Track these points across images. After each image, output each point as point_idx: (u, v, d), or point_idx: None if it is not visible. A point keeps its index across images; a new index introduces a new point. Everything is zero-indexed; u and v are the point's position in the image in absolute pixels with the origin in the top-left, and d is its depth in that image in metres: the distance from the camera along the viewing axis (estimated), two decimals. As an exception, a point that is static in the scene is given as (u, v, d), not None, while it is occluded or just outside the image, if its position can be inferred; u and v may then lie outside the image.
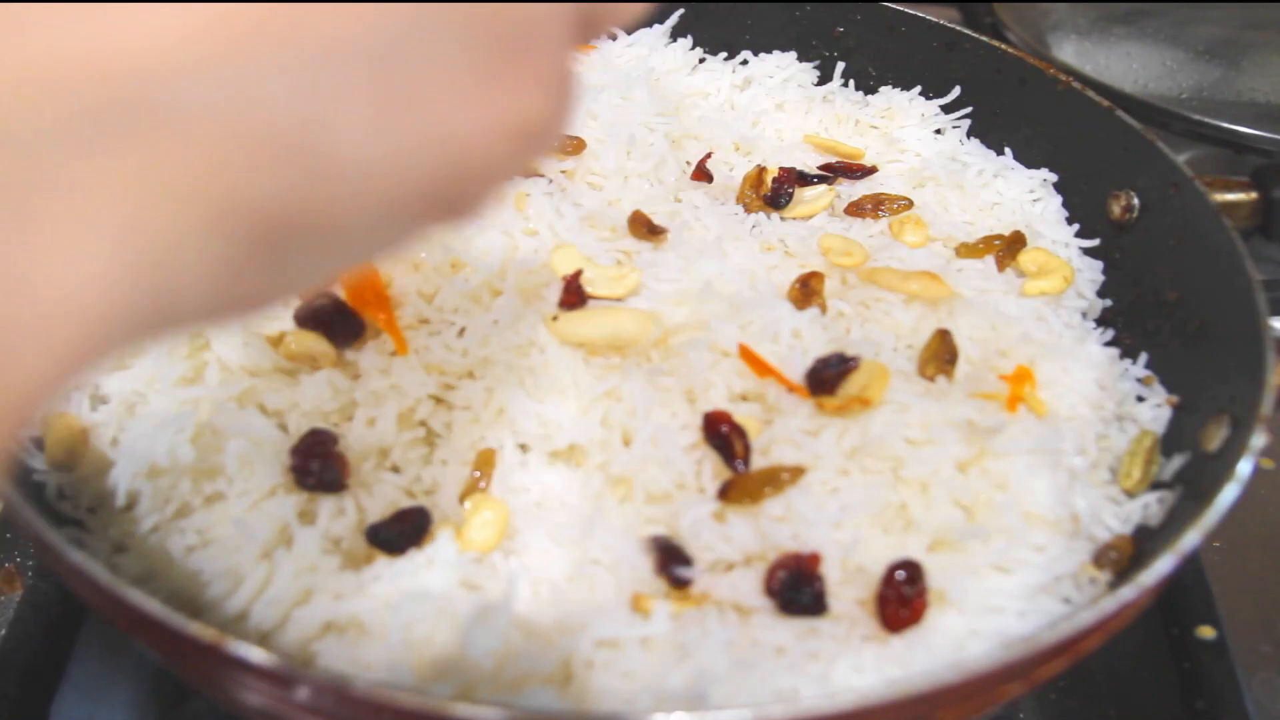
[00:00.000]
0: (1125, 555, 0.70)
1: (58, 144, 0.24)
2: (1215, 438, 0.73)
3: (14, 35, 0.24)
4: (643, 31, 1.09)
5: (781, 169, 0.96)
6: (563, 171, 0.95)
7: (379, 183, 0.30)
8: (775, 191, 0.94)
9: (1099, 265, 0.93)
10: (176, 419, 0.71)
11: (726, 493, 0.69)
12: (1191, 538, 0.63)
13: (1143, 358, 0.85)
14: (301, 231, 0.29)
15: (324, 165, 0.29)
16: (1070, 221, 0.96)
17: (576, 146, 0.95)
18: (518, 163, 0.35)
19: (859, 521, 0.69)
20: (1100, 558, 0.70)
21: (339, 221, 0.30)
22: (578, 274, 0.79)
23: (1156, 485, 0.76)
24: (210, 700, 0.67)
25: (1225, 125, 1.22)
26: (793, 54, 1.09)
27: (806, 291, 0.83)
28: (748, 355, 0.75)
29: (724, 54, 1.11)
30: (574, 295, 0.79)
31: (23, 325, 0.24)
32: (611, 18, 0.39)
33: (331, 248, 0.31)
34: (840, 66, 1.08)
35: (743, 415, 0.74)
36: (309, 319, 0.77)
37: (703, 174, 0.97)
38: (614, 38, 1.09)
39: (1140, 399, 0.82)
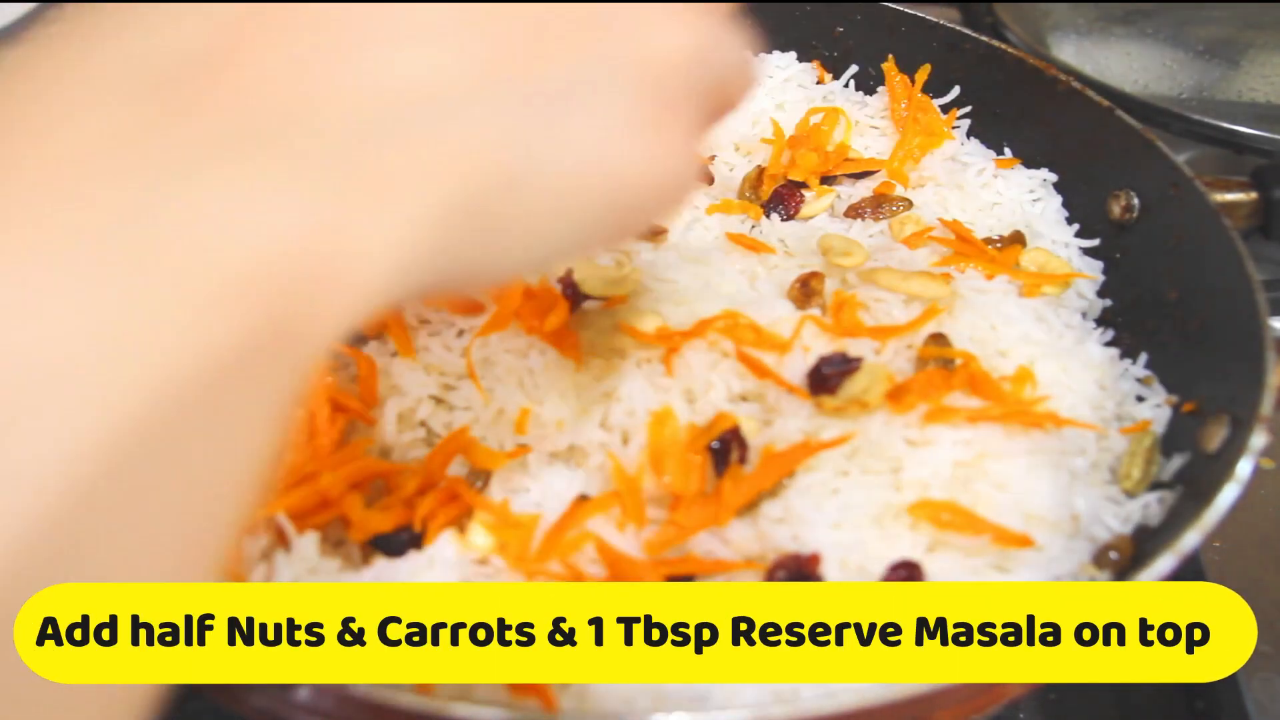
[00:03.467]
0: (1125, 555, 0.70)
1: (363, 139, 0.33)
2: (1215, 438, 0.73)
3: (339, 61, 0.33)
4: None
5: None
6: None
7: (569, 204, 0.40)
8: (774, 196, 0.95)
9: (1099, 265, 0.93)
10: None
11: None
12: (1191, 538, 0.63)
13: (1143, 358, 0.85)
14: (508, 223, 0.38)
15: (528, 181, 0.38)
16: (1070, 221, 0.96)
17: None
18: (666, 202, 0.44)
19: (859, 522, 0.69)
20: (1100, 558, 0.71)
21: (536, 224, 0.39)
22: (569, 274, 0.79)
23: (1156, 485, 0.76)
24: (210, 700, 0.67)
25: (1225, 125, 1.21)
26: (793, 54, 1.09)
27: (806, 291, 0.83)
28: (745, 358, 0.76)
29: (724, 54, 1.11)
30: (569, 296, 0.79)
31: (342, 264, 0.32)
32: (731, 102, 0.48)
33: (530, 244, 0.40)
34: (853, 69, 1.08)
35: (742, 416, 0.74)
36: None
37: (706, 176, 0.97)
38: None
39: (1140, 399, 0.82)
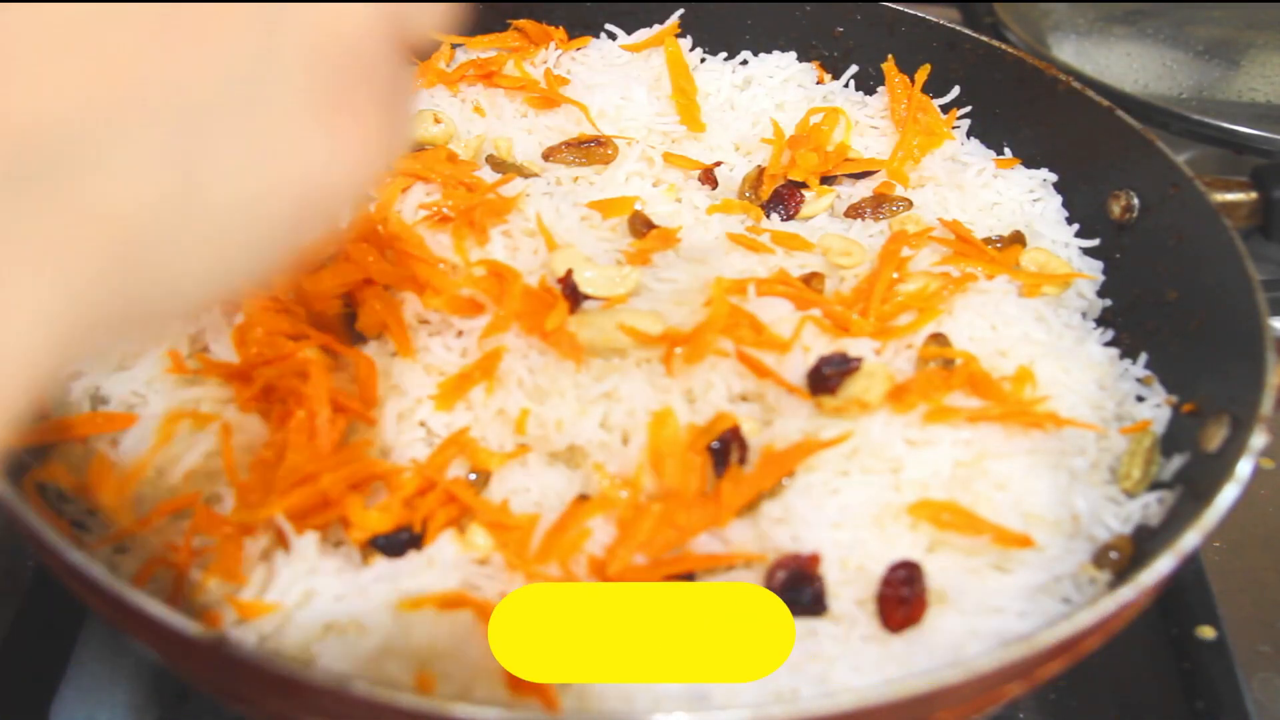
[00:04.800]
0: (1125, 555, 0.70)
1: None
2: (1215, 438, 0.73)
3: None
4: (642, 32, 1.09)
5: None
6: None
7: (248, 217, 0.35)
8: (774, 196, 0.95)
9: (1099, 265, 0.93)
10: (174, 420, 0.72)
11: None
12: (1191, 538, 0.63)
13: (1143, 358, 0.85)
14: (175, 255, 0.34)
15: (190, 208, 0.33)
16: (1070, 221, 0.96)
17: (606, 157, 0.95)
18: (362, 184, 0.38)
19: (859, 522, 0.69)
20: (1100, 558, 0.70)
21: (211, 248, 0.35)
22: (568, 274, 0.79)
23: (1156, 485, 0.76)
24: (211, 700, 0.67)
25: (1225, 125, 1.22)
26: (793, 54, 1.09)
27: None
28: (745, 359, 0.75)
29: (724, 54, 1.11)
30: (570, 296, 0.79)
31: None
32: (422, 20, 0.41)
33: (208, 267, 0.35)
34: (853, 69, 1.08)
35: (742, 416, 0.74)
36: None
37: (710, 179, 0.97)
38: (613, 37, 1.09)
39: (1140, 399, 0.82)
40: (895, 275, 0.84)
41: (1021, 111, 1.01)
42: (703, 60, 1.10)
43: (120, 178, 0.31)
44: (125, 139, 0.31)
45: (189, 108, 0.32)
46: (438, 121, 0.94)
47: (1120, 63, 1.40)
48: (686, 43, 1.09)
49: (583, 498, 0.70)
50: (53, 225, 0.30)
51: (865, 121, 1.04)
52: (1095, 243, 0.94)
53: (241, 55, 0.33)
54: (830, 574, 0.67)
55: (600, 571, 0.66)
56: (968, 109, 1.04)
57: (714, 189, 0.97)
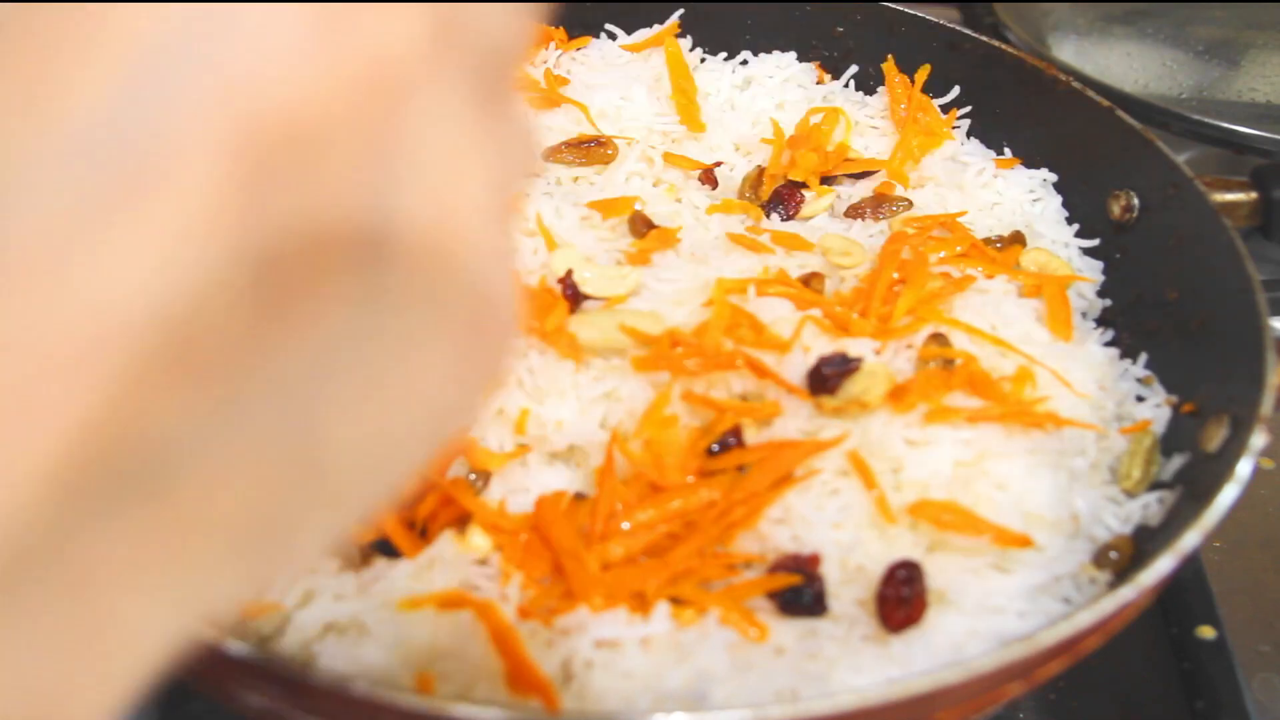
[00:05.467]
0: (1125, 555, 0.70)
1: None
2: (1215, 438, 0.73)
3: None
4: (642, 32, 1.09)
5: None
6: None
7: (375, 452, 0.29)
8: (774, 196, 0.95)
9: (1099, 265, 0.93)
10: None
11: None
12: (1191, 538, 0.63)
13: (1143, 358, 0.85)
14: (305, 514, 0.29)
15: (325, 462, 0.28)
16: (1070, 221, 0.96)
17: (606, 157, 0.95)
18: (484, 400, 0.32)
19: (859, 522, 0.69)
20: (1100, 558, 0.71)
21: (345, 493, 0.29)
22: (569, 274, 0.79)
23: (1156, 485, 0.76)
24: (211, 700, 0.67)
25: (1225, 125, 1.21)
26: (793, 54, 1.09)
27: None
28: (745, 358, 0.75)
29: (724, 54, 1.11)
30: (569, 296, 0.79)
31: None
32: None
33: (344, 513, 0.30)
34: (853, 69, 1.08)
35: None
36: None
37: (710, 179, 0.97)
38: (613, 37, 1.09)
39: (1140, 399, 0.82)
40: (895, 275, 0.84)
41: (1021, 111, 1.01)
42: (703, 60, 1.10)
43: (235, 470, 0.26)
44: (233, 430, 0.25)
45: (301, 371, 0.26)
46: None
47: (1120, 63, 1.40)
48: (686, 43, 1.09)
49: (579, 497, 0.70)
50: (163, 537, 0.25)
51: (865, 121, 1.04)
52: (1095, 243, 0.94)
53: (352, 297, 0.26)
54: (830, 574, 0.67)
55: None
56: (968, 109, 1.04)
57: (714, 189, 0.97)
